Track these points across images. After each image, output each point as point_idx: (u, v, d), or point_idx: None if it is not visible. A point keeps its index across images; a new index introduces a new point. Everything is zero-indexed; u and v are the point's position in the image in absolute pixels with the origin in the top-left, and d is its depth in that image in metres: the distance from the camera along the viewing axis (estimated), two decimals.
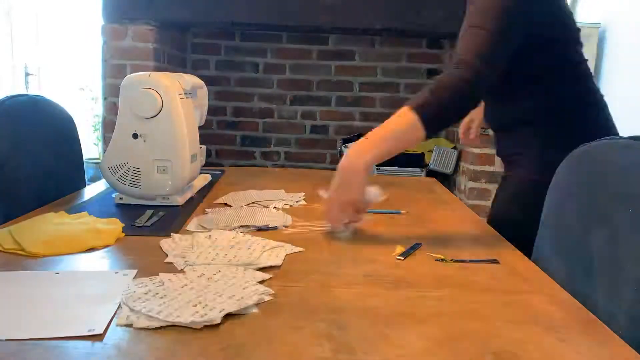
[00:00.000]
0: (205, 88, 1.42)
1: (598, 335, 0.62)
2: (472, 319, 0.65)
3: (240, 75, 3.00)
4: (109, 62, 2.39)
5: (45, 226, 0.93)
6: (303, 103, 3.04)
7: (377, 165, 1.64)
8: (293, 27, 2.38)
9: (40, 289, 0.69)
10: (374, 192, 0.98)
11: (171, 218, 1.05)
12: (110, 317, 0.60)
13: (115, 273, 0.75)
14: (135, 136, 1.11)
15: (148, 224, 1.00)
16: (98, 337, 0.56)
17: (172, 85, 1.12)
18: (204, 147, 1.39)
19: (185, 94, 1.19)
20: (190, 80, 1.25)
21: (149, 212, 1.07)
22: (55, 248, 0.83)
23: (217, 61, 2.99)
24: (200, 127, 1.35)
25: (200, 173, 1.50)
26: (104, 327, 0.58)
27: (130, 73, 2.38)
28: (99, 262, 0.81)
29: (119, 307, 0.63)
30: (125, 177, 1.13)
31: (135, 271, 0.75)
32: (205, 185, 1.41)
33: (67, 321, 0.59)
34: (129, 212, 1.07)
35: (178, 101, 1.12)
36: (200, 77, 1.43)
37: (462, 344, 0.59)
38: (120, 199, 1.15)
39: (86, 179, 1.52)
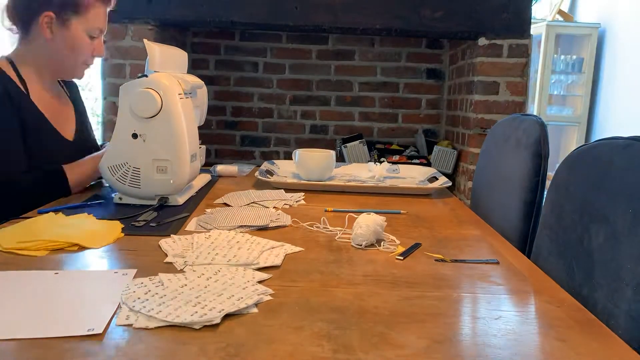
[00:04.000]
0: (204, 88, 1.42)
1: (598, 335, 0.62)
2: (471, 318, 0.65)
3: (240, 74, 3.00)
4: (109, 62, 2.39)
5: (44, 226, 0.93)
6: (303, 103, 3.04)
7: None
8: (293, 26, 2.38)
9: (40, 288, 0.69)
10: None
11: (171, 218, 1.05)
12: (109, 317, 0.60)
13: (115, 273, 0.75)
14: (134, 136, 1.11)
15: (148, 223, 1.00)
16: (97, 337, 0.56)
17: (172, 85, 1.12)
18: (203, 146, 1.39)
19: (185, 93, 1.18)
20: (190, 80, 1.25)
21: (148, 212, 1.07)
22: (53, 247, 0.83)
23: (217, 61, 2.99)
24: (200, 127, 1.35)
25: (200, 172, 1.50)
26: (104, 327, 0.58)
27: (130, 72, 2.37)
28: (98, 262, 0.81)
29: (119, 306, 0.63)
30: (124, 177, 1.13)
31: (134, 271, 0.75)
32: (205, 185, 1.41)
33: (66, 321, 0.59)
34: (128, 212, 1.07)
35: (178, 101, 1.12)
36: (200, 76, 1.43)
37: (462, 343, 0.58)
38: (120, 198, 1.15)
39: None
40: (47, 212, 1.03)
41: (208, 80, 2.93)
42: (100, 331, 0.57)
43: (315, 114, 3.06)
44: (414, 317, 0.64)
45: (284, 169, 1.63)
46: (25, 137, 1.19)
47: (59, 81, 1.41)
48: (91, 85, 4.37)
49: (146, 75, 1.12)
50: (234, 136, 3.06)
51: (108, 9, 1.35)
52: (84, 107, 1.51)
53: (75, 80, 1.47)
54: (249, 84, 3.02)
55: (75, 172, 1.23)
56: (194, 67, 2.95)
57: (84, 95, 4.70)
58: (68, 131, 1.34)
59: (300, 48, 3.00)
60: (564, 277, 0.86)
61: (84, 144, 1.37)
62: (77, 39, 1.26)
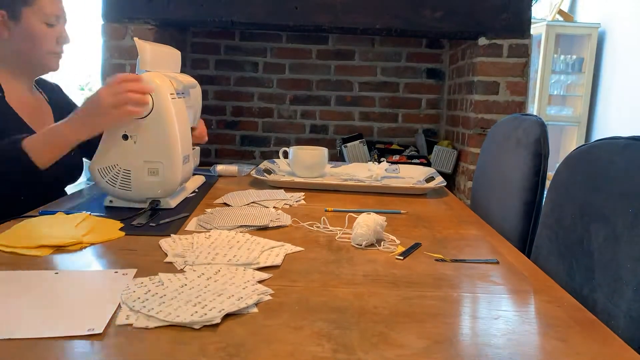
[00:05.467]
0: (198, 87, 1.38)
1: (598, 335, 0.62)
2: (471, 318, 0.65)
3: (240, 74, 3.00)
4: (109, 62, 2.39)
5: (44, 226, 0.93)
6: (303, 103, 3.04)
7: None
8: (293, 26, 2.37)
9: (40, 288, 0.69)
10: None
11: (171, 218, 1.05)
12: (109, 317, 0.60)
13: (115, 272, 0.75)
14: (125, 137, 1.08)
15: (147, 223, 1.00)
16: (97, 337, 0.56)
17: (164, 85, 1.09)
18: (197, 148, 1.36)
19: (177, 93, 1.15)
20: (183, 79, 1.22)
21: (140, 215, 1.05)
22: (52, 245, 0.83)
23: (217, 60, 2.98)
24: None
25: (199, 173, 1.49)
26: (104, 327, 0.58)
27: (130, 72, 2.37)
28: (99, 261, 0.81)
29: (119, 306, 0.63)
30: (115, 179, 1.09)
31: (134, 270, 0.75)
32: (205, 185, 1.41)
33: (66, 321, 0.59)
34: (120, 216, 1.04)
35: (169, 101, 1.08)
36: (200, 76, 1.43)
37: (462, 343, 0.58)
38: (111, 201, 1.13)
39: (85, 179, 1.51)
40: (48, 213, 1.03)
41: (208, 80, 2.93)
42: (101, 331, 0.57)
43: (315, 114, 3.06)
44: (414, 317, 0.64)
45: (284, 168, 1.63)
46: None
47: (35, 86, 1.38)
48: (91, 85, 4.37)
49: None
50: (234, 136, 3.05)
51: None
52: (71, 106, 1.45)
53: (48, 79, 1.43)
54: (249, 84, 3.02)
55: (39, 142, 1.08)
56: (193, 67, 2.95)
57: (83, 94, 4.67)
58: None
59: (300, 48, 3.00)
60: (564, 277, 0.86)
61: None
62: (34, 29, 1.24)
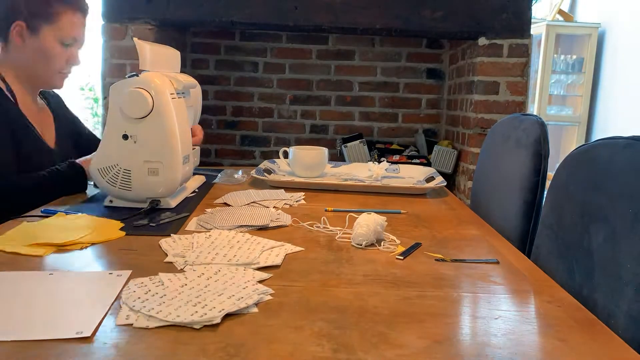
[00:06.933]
0: (198, 87, 1.38)
1: (598, 335, 0.62)
2: (471, 318, 0.65)
3: (240, 74, 3.00)
4: (109, 62, 2.39)
5: (46, 227, 0.93)
6: (303, 103, 3.04)
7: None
8: (293, 26, 2.38)
9: (32, 290, 0.68)
10: None
11: (171, 218, 1.04)
12: (99, 320, 0.59)
13: (110, 274, 0.74)
14: (125, 137, 1.07)
15: (147, 223, 1.00)
16: (98, 337, 0.56)
17: (164, 85, 1.09)
18: (197, 148, 1.35)
19: (178, 93, 1.15)
20: (183, 79, 1.21)
21: (140, 215, 1.04)
22: (52, 245, 0.83)
23: (217, 61, 2.98)
24: None
25: (195, 174, 1.48)
26: (92, 330, 0.57)
27: (130, 72, 2.38)
28: (98, 261, 0.81)
29: (110, 309, 0.63)
30: (115, 179, 1.09)
31: (129, 272, 0.74)
32: (204, 185, 1.41)
33: (55, 323, 0.59)
34: (120, 215, 1.03)
35: (169, 101, 1.08)
36: (200, 76, 1.43)
37: (462, 343, 0.58)
38: (111, 201, 1.12)
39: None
40: (51, 212, 1.03)
41: (208, 80, 2.93)
42: (89, 334, 0.56)
43: (315, 114, 3.06)
44: (414, 317, 0.64)
45: (284, 168, 1.63)
46: (14, 144, 1.19)
47: (39, 96, 1.40)
48: (91, 85, 4.37)
49: (137, 74, 1.08)
50: (234, 136, 3.05)
51: (85, 19, 1.33)
52: (70, 116, 1.49)
53: (57, 91, 1.46)
54: (249, 84, 3.02)
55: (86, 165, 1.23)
56: (194, 67, 2.95)
57: (83, 94, 4.67)
58: (49, 139, 1.34)
59: (300, 48, 3.00)
60: (564, 277, 0.86)
61: (64, 153, 1.35)
62: (49, 47, 1.27)
